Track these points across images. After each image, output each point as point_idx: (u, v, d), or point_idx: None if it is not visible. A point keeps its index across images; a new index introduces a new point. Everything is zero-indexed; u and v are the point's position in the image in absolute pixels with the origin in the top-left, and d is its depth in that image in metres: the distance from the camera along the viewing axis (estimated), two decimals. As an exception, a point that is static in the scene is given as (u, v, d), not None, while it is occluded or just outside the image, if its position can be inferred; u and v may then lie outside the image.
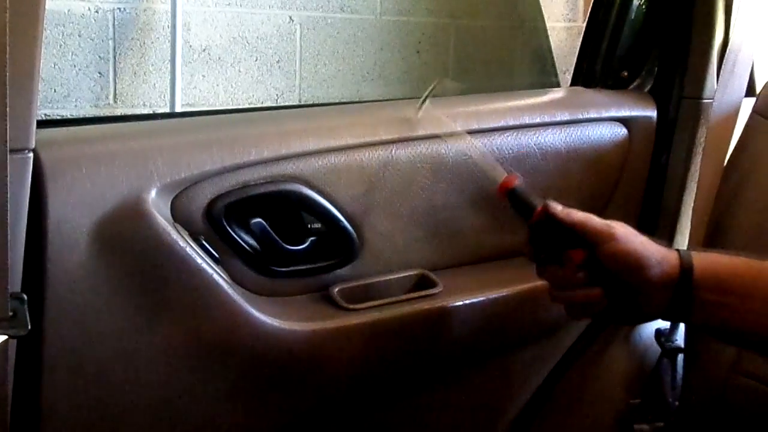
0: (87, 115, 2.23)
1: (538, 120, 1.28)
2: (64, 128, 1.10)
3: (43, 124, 0.94)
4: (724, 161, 1.30)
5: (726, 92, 1.29)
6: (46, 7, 0.81)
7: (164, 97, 2.34)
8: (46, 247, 0.95)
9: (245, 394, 1.11)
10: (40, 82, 0.85)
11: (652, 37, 1.41)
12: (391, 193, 1.18)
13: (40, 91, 2.10)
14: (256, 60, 2.47)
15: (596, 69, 1.43)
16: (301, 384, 1.14)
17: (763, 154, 1.25)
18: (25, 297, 0.84)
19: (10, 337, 0.83)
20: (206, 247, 1.05)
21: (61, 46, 2.19)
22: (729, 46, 1.31)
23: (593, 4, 1.44)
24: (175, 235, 1.01)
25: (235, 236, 1.09)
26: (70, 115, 2.22)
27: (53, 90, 2.19)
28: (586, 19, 1.46)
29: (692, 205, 1.32)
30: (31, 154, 0.86)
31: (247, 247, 1.10)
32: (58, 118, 2.19)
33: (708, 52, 1.35)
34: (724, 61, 1.29)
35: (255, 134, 1.11)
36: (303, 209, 1.14)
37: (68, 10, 2.19)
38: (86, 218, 0.97)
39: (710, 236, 1.27)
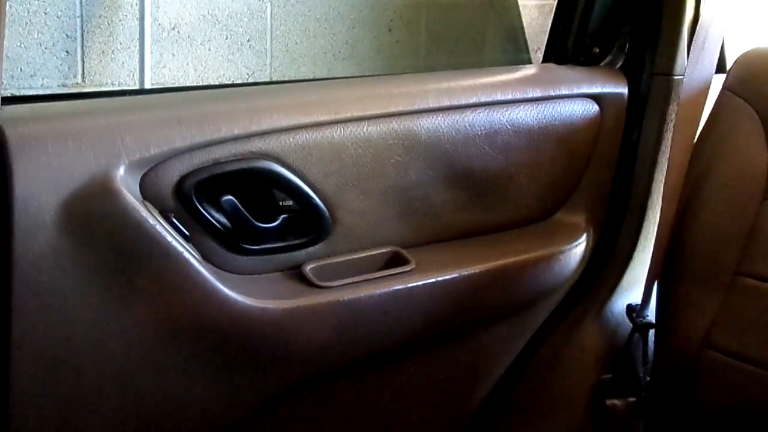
0: (53, 92, 2.20)
1: (510, 96, 1.27)
2: (30, 105, 1.08)
3: (8, 100, 0.92)
4: (694, 137, 1.31)
5: (696, 69, 1.29)
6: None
7: (133, 76, 2.31)
8: (12, 225, 0.94)
9: (216, 372, 1.11)
10: (5, 61, 0.84)
11: (623, 13, 1.41)
12: (364, 170, 1.18)
13: (6, 70, 2.07)
14: (226, 38, 2.44)
15: (568, 46, 1.43)
16: (272, 362, 1.14)
17: (733, 130, 1.26)
18: (-8, 276, 0.83)
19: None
20: (176, 224, 1.04)
21: (26, 24, 2.15)
22: (699, 23, 1.31)
23: (564, -19, 1.44)
24: (144, 212, 1.00)
25: (206, 213, 1.08)
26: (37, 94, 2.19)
27: (19, 69, 2.16)
28: (558, -3, 1.46)
29: (663, 181, 1.32)
30: None
31: (217, 225, 1.10)
32: (24, 95, 2.16)
33: (679, 29, 1.36)
34: (695, 37, 1.30)
35: (225, 111, 1.10)
36: (274, 186, 1.13)
37: (34, -13, 2.15)
38: (53, 196, 0.96)
39: (681, 212, 1.28)
